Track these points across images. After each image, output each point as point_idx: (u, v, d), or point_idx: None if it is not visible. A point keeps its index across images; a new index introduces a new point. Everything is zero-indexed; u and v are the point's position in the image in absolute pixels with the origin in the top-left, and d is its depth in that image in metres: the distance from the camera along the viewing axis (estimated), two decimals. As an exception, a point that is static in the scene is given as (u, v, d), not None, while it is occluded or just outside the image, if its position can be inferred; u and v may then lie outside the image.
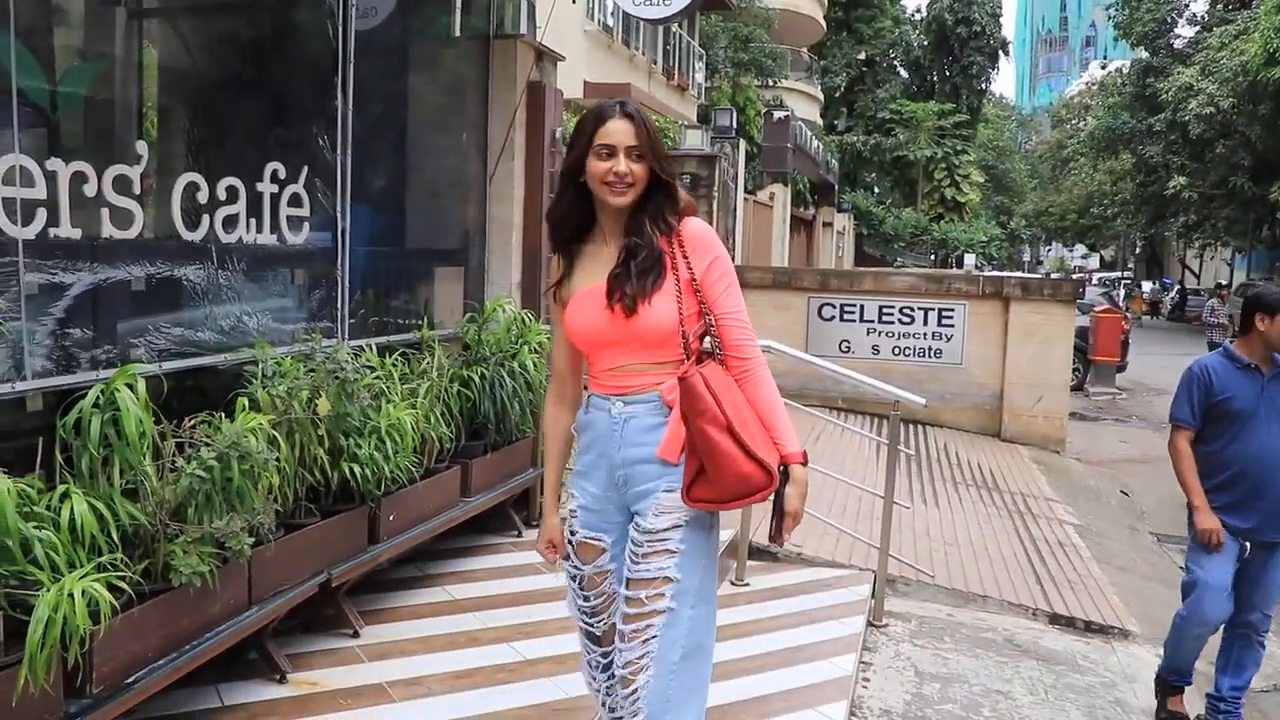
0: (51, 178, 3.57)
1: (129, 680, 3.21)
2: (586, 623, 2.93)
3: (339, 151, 5.16)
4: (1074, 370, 16.75)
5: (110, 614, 2.96)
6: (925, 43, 54.15)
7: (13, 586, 2.90)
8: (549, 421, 3.06)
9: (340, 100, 5.18)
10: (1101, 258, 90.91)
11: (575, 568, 2.92)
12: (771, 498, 2.74)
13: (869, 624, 5.95)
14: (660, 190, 2.83)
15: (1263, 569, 4.96)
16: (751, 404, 2.75)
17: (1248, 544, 4.92)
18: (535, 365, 6.05)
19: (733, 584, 6.18)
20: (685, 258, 2.80)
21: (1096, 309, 20.23)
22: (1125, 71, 45.78)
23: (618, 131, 2.75)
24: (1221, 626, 5.08)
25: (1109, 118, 44.07)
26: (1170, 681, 5.23)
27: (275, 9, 5.31)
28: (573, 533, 2.93)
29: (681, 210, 2.88)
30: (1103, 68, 58.02)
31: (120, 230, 3.87)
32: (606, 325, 2.76)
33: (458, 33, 6.76)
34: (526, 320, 6.28)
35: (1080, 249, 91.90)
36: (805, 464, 2.77)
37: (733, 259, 12.52)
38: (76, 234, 3.68)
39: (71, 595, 2.83)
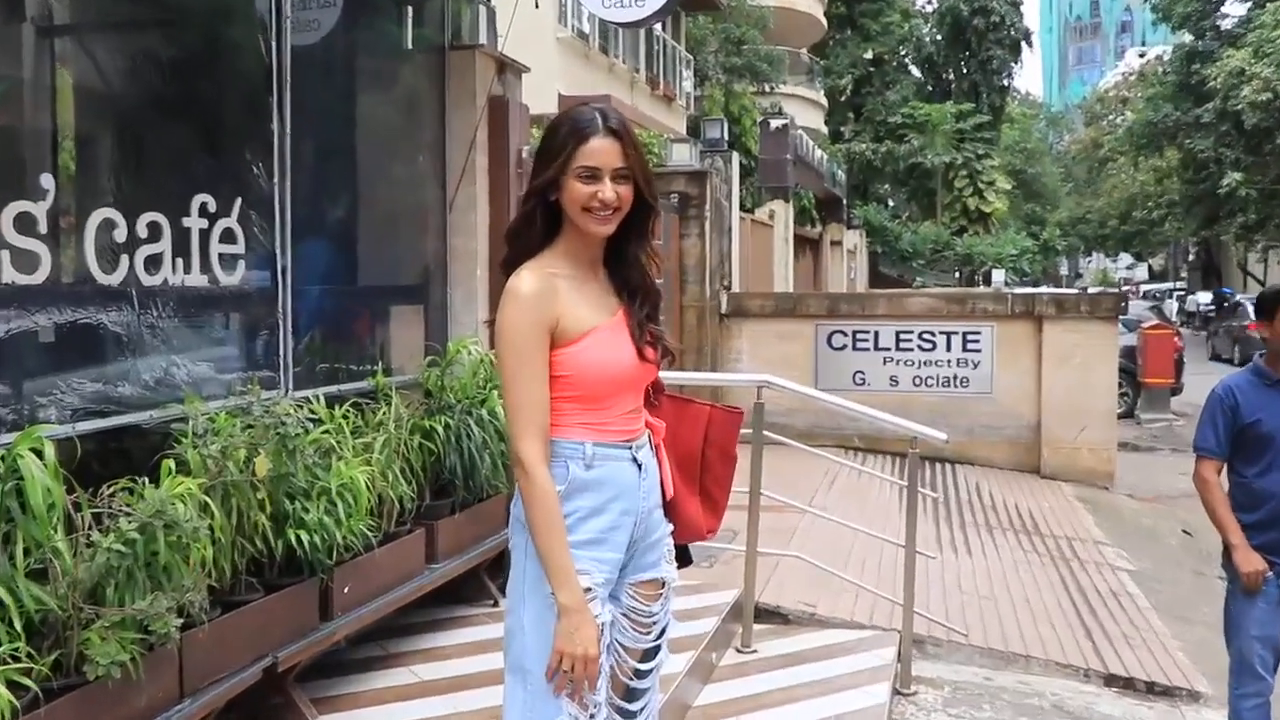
0: (-61, 217, 3.57)
1: (40, 789, 3.15)
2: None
3: (277, 180, 5.17)
4: (1122, 395, 16.74)
5: (12, 715, 2.91)
6: (939, 37, 54.58)
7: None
8: (550, 490, 2.68)
9: (277, 123, 5.20)
10: (1150, 267, 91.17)
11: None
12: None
13: (895, 692, 5.90)
14: (643, 214, 2.83)
15: None
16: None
17: None
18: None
19: (739, 651, 6.14)
20: None
21: (1144, 325, 20.16)
22: (1166, 58, 45.98)
23: (603, 152, 2.69)
24: None
25: (1150, 110, 44.26)
26: None
27: (201, 24, 5.30)
28: (597, 618, 2.72)
29: None
30: (1141, 56, 58.26)
31: (24, 274, 3.85)
32: (634, 367, 2.80)
33: (409, 45, 6.79)
34: (495, 362, 6.27)
35: (1125, 258, 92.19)
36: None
37: (730, 285, 12.47)
38: (-29, 280, 3.67)
39: (-33, 694, 2.79)
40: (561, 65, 18.93)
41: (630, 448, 2.81)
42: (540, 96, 15.17)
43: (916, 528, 6.18)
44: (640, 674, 2.89)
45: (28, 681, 3.03)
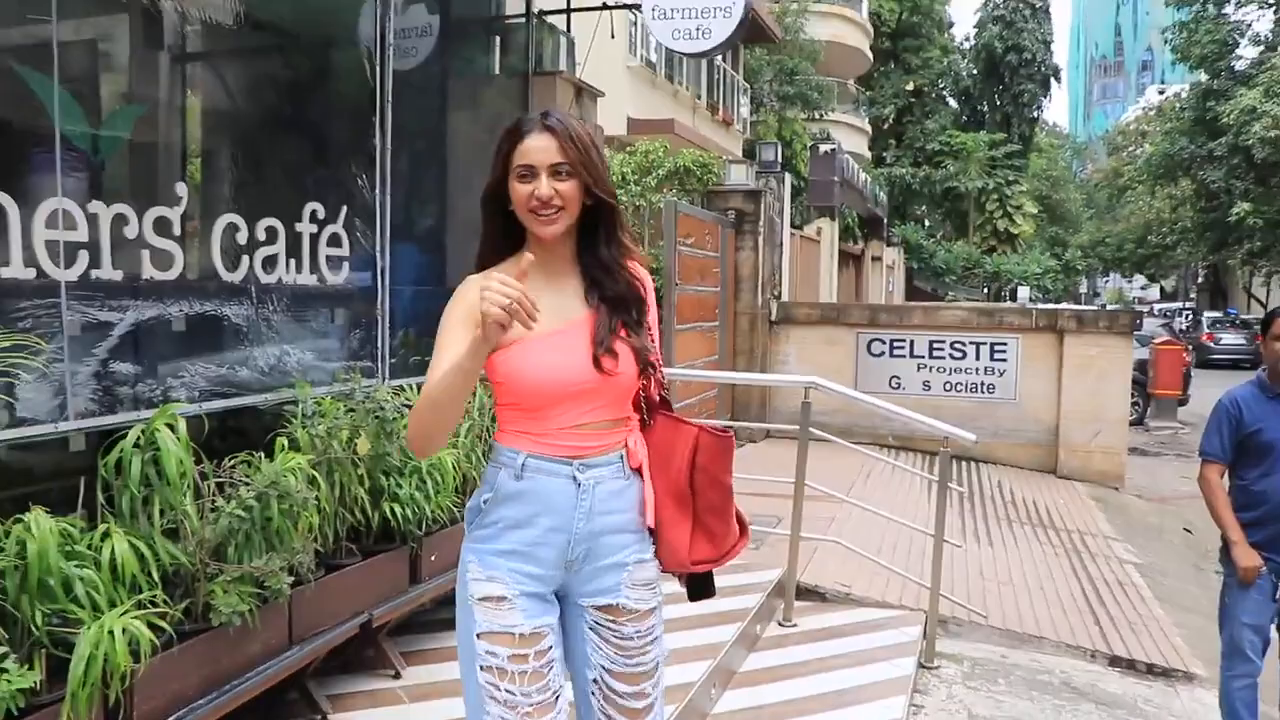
0: (93, 220, 3.69)
1: (169, 719, 3.26)
2: None
3: (378, 190, 5.26)
4: (1133, 404, 16.56)
5: (150, 652, 3.03)
6: (975, 72, 53.95)
7: (55, 625, 2.97)
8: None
9: (379, 139, 5.28)
10: (1162, 288, 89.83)
11: (519, 665, 2.42)
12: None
13: (920, 665, 5.91)
14: (603, 212, 2.54)
15: None
16: None
17: None
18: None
19: (780, 624, 6.17)
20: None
21: (1156, 341, 20.03)
22: (1184, 95, 45.24)
23: (538, 149, 2.42)
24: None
25: (1167, 143, 43.48)
26: None
27: (314, 51, 5.43)
28: (513, 626, 2.43)
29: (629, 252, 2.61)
30: (1160, 93, 57.34)
31: (161, 271, 3.97)
32: (581, 377, 2.46)
33: (497, 71, 6.88)
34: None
35: (1139, 280, 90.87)
36: None
37: (780, 294, 12.35)
38: (118, 275, 3.80)
39: (112, 633, 2.90)
40: (631, 91, 18.97)
41: (571, 464, 2.47)
42: (612, 119, 15.25)
43: (945, 519, 6.19)
44: (640, 695, 2.55)
45: (164, 624, 3.15)
